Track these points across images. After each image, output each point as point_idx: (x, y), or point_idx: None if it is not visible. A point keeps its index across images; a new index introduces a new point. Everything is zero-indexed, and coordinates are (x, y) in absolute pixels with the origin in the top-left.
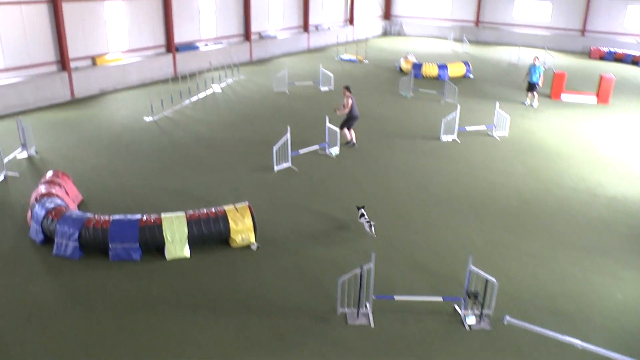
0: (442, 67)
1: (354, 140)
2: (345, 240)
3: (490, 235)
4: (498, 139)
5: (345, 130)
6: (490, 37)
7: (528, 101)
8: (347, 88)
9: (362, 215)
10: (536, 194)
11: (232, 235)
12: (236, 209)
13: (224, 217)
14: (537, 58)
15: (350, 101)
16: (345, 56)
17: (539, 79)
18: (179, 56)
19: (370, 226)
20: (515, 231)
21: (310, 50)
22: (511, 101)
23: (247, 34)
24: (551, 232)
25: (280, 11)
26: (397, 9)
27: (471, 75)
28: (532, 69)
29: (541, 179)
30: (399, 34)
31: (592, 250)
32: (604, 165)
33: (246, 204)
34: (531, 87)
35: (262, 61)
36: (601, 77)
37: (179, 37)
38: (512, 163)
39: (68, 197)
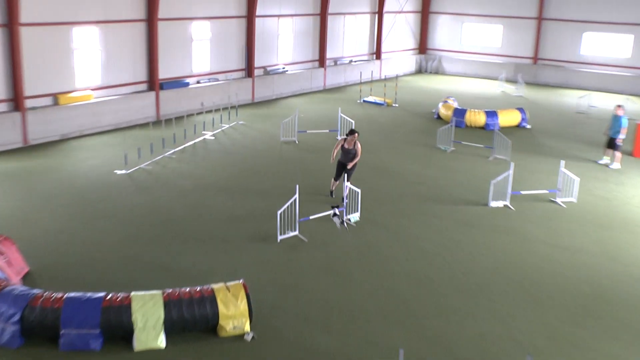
0: (491, 114)
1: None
2: (364, 332)
3: (555, 330)
4: (564, 206)
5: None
6: (553, 78)
7: (606, 160)
8: (357, 133)
9: (335, 214)
10: (614, 279)
11: (222, 321)
12: (227, 288)
13: (211, 298)
14: (621, 107)
15: (339, 145)
16: (370, 98)
17: (619, 132)
18: (164, 95)
19: (341, 223)
20: (588, 326)
21: (326, 90)
22: (581, 159)
23: (249, 69)
24: (636, 328)
25: (291, 41)
26: (435, 41)
27: (528, 126)
28: (613, 120)
29: (621, 259)
30: (437, 71)
31: None
32: None
33: (240, 282)
34: (611, 143)
35: (266, 102)
36: None
37: (165, 72)
38: (582, 238)
39: (10, 267)
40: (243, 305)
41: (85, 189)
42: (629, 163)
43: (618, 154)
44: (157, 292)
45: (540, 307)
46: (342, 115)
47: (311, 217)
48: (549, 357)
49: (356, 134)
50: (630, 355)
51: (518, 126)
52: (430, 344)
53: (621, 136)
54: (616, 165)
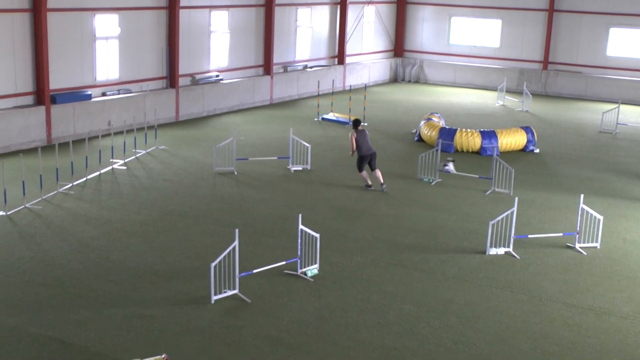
0: (489, 135)
1: (371, 182)
2: None
3: None
4: (584, 253)
5: (364, 172)
6: (568, 88)
7: None
8: (355, 122)
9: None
10: None
11: None
12: None
13: None
14: None
15: (354, 137)
16: (331, 115)
17: None
18: (57, 110)
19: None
20: None
21: (274, 105)
22: (605, 192)
23: (172, 77)
24: None
25: (227, 41)
26: (415, 40)
27: (536, 150)
28: None
29: None
30: (418, 80)
31: None
32: None
33: (163, 358)
34: None
35: (195, 121)
36: None
37: (58, 81)
38: (609, 295)
39: None
40: None
41: None
42: None
43: None
44: None
45: None
46: (294, 137)
47: (255, 271)
48: None
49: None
50: None
51: (524, 150)
52: None
53: None
54: None
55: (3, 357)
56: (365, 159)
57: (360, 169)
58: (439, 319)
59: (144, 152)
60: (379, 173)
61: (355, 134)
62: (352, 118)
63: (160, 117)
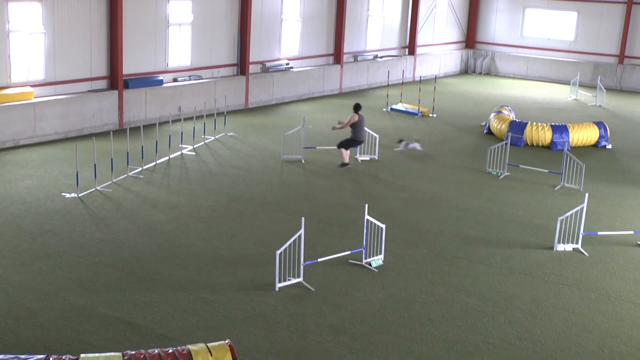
0: (560, 129)
1: (349, 162)
2: None
3: None
4: None
5: (343, 150)
6: None
7: None
8: (356, 107)
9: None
10: None
11: None
12: (209, 350)
13: None
14: None
15: (356, 118)
16: (400, 106)
17: None
18: (130, 95)
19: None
20: None
21: (343, 94)
22: None
23: (242, 64)
24: None
25: (298, 29)
26: (488, 32)
27: (608, 145)
28: None
29: None
30: (489, 72)
31: None
32: None
33: (227, 343)
34: None
35: (264, 109)
36: None
37: (131, 66)
38: None
39: None
40: None
41: (22, 217)
42: None
43: None
44: (115, 355)
45: None
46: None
47: (320, 260)
48: None
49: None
50: None
51: (596, 146)
52: None
53: None
54: None
55: (72, 336)
56: (354, 143)
57: (345, 147)
58: (503, 314)
59: (213, 138)
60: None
61: (356, 117)
62: (354, 105)
63: (230, 104)
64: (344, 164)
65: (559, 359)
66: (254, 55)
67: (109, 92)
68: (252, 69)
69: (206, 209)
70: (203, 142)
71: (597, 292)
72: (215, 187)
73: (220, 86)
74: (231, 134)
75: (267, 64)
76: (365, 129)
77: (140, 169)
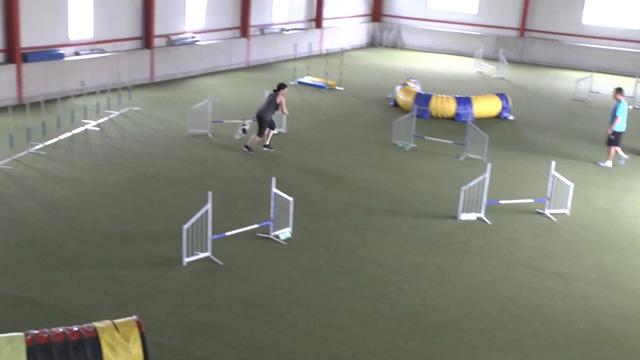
0: (464, 101)
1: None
2: None
3: None
4: (554, 220)
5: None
6: (544, 56)
7: (608, 163)
8: (281, 86)
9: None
10: (617, 313)
11: None
12: (116, 327)
13: (93, 341)
14: (621, 91)
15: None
16: (308, 79)
17: (619, 123)
18: (29, 69)
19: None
20: None
21: (250, 68)
22: (577, 160)
23: (147, 38)
24: None
25: (203, 3)
26: (393, 5)
27: (510, 117)
28: (616, 108)
29: (625, 287)
30: (395, 45)
31: None
32: None
33: (133, 319)
34: (615, 139)
35: (170, 82)
36: None
37: (30, 38)
38: (577, 261)
39: None
40: (136, 349)
41: None
42: (638, 164)
43: (612, 150)
44: (17, 335)
45: (521, 349)
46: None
47: (228, 234)
48: None
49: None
50: None
51: (498, 117)
52: None
53: (615, 127)
54: (608, 163)
55: None
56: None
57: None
58: (409, 282)
59: (118, 113)
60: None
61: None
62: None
63: (135, 78)
64: (266, 146)
65: (462, 324)
66: (158, 28)
67: (6, 65)
68: (157, 42)
69: (111, 184)
70: (107, 117)
71: (498, 259)
72: (121, 162)
73: (124, 60)
74: (136, 108)
75: (173, 37)
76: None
77: (42, 145)
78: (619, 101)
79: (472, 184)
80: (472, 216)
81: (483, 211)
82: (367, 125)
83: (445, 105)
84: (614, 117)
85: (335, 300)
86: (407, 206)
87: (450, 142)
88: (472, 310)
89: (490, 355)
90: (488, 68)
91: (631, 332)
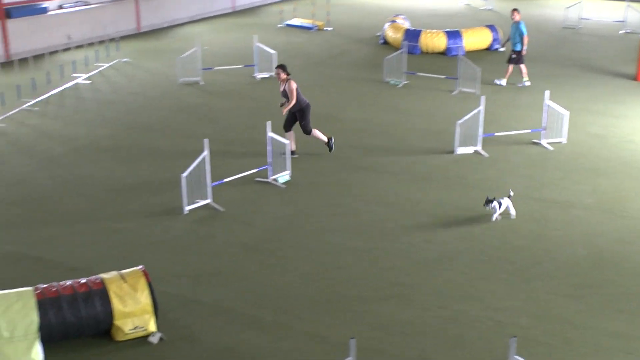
0: (454, 35)
1: (294, 147)
2: (303, 324)
3: (543, 306)
4: (550, 149)
5: (316, 131)
6: None
7: (501, 81)
8: (283, 68)
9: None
10: (615, 238)
11: (118, 321)
12: (123, 278)
13: (101, 293)
14: (517, 11)
15: (294, 86)
16: (295, 21)
17: (520, 43)
18: (13, 25)
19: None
20: (583, 298)
21: (236, 12)
22: (570, 89)
23: None
24: None
25: None
26: None
27: (501, 48)
28: (512, 28)
29: (621, 212)
30: None
31: None
32: None
33: (140, 269)
34: (516, 57)
35: (157, 32)
36: None
37: None
38: (574, 188)
39: None
40: (145, 298)
41: None
42: (630, 89)
43: (524, 68)
44: (26, 290)
45: (524, 277)
46: (259, 45)
47: (226, 180)
48: (538, 338)
49: (278, 69)
50: (634, 330)
51: (489, 49)
52: (388, 332)
53: (524, 47)
54: (527, 82)
55: None
56: (307, 112)
57: (308, 129)
58: (409, 219)
59: (107, 65)
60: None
61: (293, 83)
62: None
63: (121, 29)
64: (329, 141)
65: (465, 257)
66: None
67: None
68: None
69: (106, 138)
70: (97, 70)
71: (497, 190)
72: (113, 116)
73: (109, 11)
74: (125, 60)
75: None
76: (261, 45)
77: (34, 101)
78: (518, 21)
79: (466, 117)
80: (469, 150)
81: (479, 144)
82: (358, 65)
83: (435, 40)
84: (516, 37)
85: (338, 239)
86: (403, 143)
87: (443, 76)
88: (474, 243)
89: (493, 286)
90: (475, 1)
91: (630, 255)
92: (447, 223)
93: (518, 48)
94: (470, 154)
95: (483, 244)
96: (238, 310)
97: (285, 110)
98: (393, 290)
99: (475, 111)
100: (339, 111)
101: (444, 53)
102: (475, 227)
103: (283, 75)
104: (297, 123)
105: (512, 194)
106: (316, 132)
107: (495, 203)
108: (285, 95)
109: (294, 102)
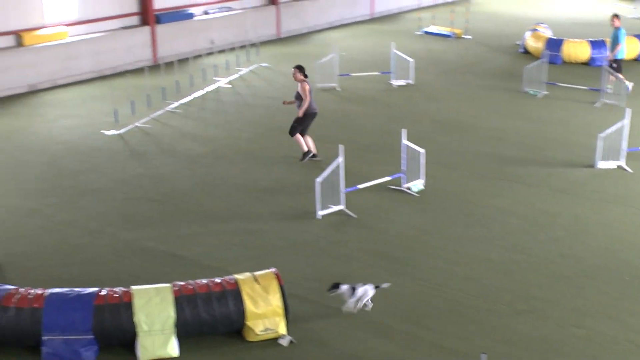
0: (598, 45)
1: (314, 149)
2: (433, 334)
3: None
4: None
5: (299, 136)
6: None
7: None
8: (300, 68)
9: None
10: None
11: (249, 321)
12: (256, 279)
13: (235, 293)
14: (617, 17)
15: (307, 88)
16: (433, 28)
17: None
18: (162, 30)
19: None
20: None
21: (374, 19)
22: None
23: None
24: None
25: None
26: None
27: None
28: (612, 35)
29: None
30: None
31: None
32: None
33: (272, 271)
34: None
35: (296, 38)
36: None
37: (161, 0)
38: None
39: None
40: (276, 300)
41: (64, 155)
42: None
43: (611, 77)
44: (165, 286)
45: None
46: (396, 52)
47: (360, 187)
48: None
49: (295, 70)
50: None
51: (637, 59)
52: (520, 348)
53: (614, 53)
54: (630, 84)
55: (120, 269)
56: (310, 119)
57: (302, 132)
58: (545, 232)
59: (247, 70)
60: (311, 141)
61: (307, 85)
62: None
63: (262, 34)
64: (307, 154)
65: (602, 274)
66: None
67: (140, 28)
68: None
69: (244, 140)
70: (237, 74)
71: None
72: (252, 119)
73: (250, 17)
74: (265, 64)
75: None
76: (399, 52)
77: (177, 103)
78: (618, 27)
79: (610, 130)
80: (612, 164)
81: (623, 159)
82: (496, 74)
83: (578, 50)
84: (615, 44)
85: (470, 250)
86: (541, 154)
87: (585, 87)
88: (612, 260)
89: (633, 306)
90: (625, 8)
91: None
92: (585, 238)
93: (619, 56)
94: (612, 169)
95: (623, 262)
96: (367, 317)
97: (300, 112)
98: (527, 305)
99: (619, 124)
100: (475, 120)
101: (588, 63)
102: (615, 244)
103: (299, 76)
104: (309, 126)
105: (386, 285)
106: (299, 139)
107: (344, 288)
108: (299, 97)
109: (307, 103)
